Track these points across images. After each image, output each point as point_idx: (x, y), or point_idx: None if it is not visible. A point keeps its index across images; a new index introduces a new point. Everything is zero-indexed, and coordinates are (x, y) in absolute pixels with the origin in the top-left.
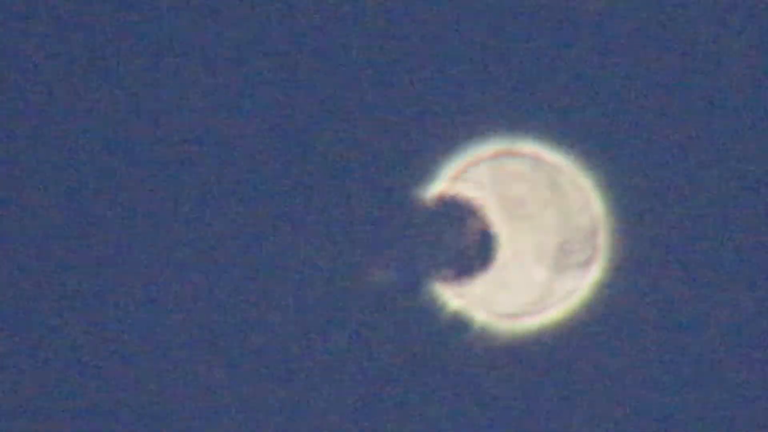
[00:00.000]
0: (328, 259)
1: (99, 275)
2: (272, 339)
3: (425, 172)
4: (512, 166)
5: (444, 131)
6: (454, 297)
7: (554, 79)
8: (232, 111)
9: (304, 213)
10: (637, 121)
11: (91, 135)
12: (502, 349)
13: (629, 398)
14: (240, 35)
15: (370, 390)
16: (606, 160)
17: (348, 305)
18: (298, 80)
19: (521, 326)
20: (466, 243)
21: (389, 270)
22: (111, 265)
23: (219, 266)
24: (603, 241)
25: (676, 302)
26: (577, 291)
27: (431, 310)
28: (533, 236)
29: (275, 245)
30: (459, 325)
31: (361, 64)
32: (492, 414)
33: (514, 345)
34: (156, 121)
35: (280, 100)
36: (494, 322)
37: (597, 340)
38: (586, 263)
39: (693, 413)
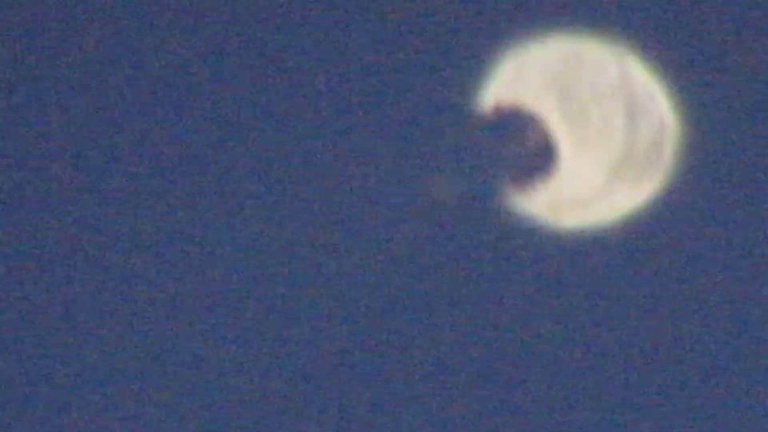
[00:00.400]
0: (384, 176)
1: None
2: (330, 256)
3: (479, 78)
4: (574, 69)
5: (498, 32)
6: (515, 205)
7: None
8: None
9: (355, 129)
10: (715, 16)
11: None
12: (563, 253)
13: (679, 316)
14: None
15: (436, 301)
16: (680, 63)
17: (409, 221)
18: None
19: (580, 231)
20: (525, 153)
21: (449, 184)
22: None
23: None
24: (671, 149)
25: (747, 218)
26: (640, 199)
27: (494, 220)
28: (597, 144)
29: (329, 164)
30: (522, 230)
31: None
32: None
33: (575, 250)
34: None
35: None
36: (555, 227)
37: (656, 250)
38: (652, 171)
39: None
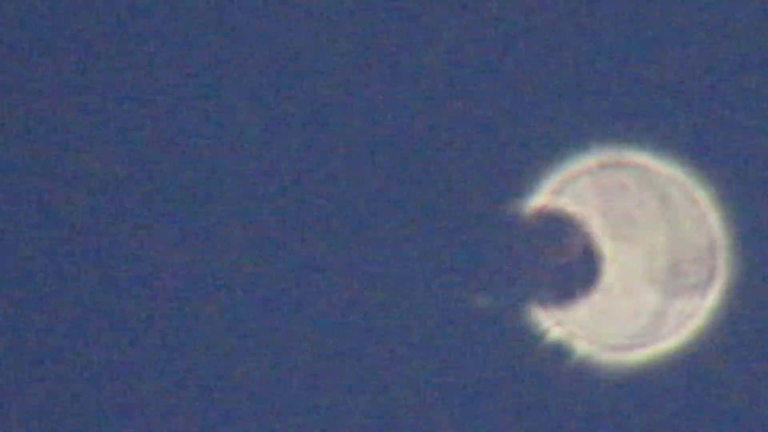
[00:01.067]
0: (420, 283)
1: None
2: (368, 367)
3: (523, 184)
4: (618, 178)
5: (543, 139)
6: (555, 323)
7: (664, 80)
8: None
9: (393, 232)
10: (760, 126)
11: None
12: (606, 382)
13: None
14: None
15: (468, 420)
16: (724, 170)
17: (443, 330)
18: (390, 89)
19: (629, 357)
20: (568, 262)
21: (486, 293)
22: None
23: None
24: (721, 261)
25: None
26: (692, 317)
27: (531, 338)
28: (642, 255)
29: (366, 265)
30: (561, 355)
31: (455, 65)
32: None
33: (620, 378)
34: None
35: (368, 109)
36: (599, 352)
37: (714, 373)
38: (702, 286)
39: None
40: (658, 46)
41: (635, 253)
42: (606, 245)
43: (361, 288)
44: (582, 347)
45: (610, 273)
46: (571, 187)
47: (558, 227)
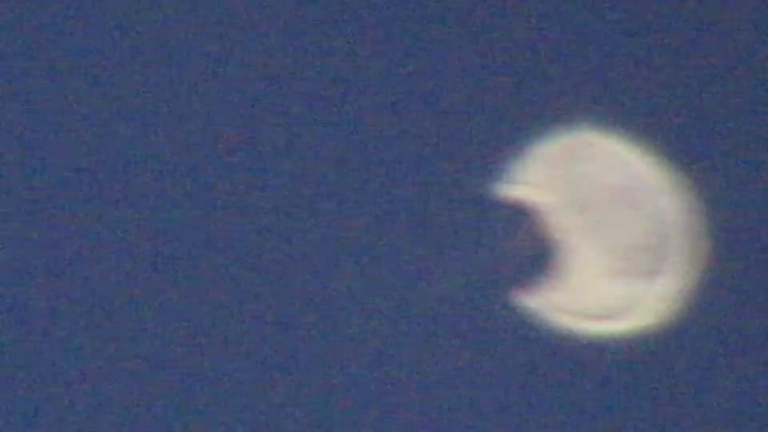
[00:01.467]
0: (391, 268)
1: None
2: (341, 356)
3: (489, 173)
4: (581, 166)
5: (506, 128)
6: (523, 304)
7: (627, 68)
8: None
9: (362, 222)
10: (727, 111)
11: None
12: (578, 355)
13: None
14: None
15: (446, 403)
16: (687, 158)
17: (414, 316)
18: (355, 79)
19: (595, 333)
20: (531, 249)
21: (454, 278)
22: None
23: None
24: (683, 246)
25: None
26: (653, 300)
27: (501, 318)
28: (605, 241)
29: (339, 259)
30: (531, 331)
31: (418, 54)
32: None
33: (591, 351)
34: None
35: (335, 98)
36: (566, 328)
37: (673, 354)
38: (664, 270)
39: None
40: (633, 30)
41: (598, 238)
42: (568, 232)
43: (330, 276)
44: (551, 323)
45: (573, 258)
46: (533, 176)
47: (521, 216)
